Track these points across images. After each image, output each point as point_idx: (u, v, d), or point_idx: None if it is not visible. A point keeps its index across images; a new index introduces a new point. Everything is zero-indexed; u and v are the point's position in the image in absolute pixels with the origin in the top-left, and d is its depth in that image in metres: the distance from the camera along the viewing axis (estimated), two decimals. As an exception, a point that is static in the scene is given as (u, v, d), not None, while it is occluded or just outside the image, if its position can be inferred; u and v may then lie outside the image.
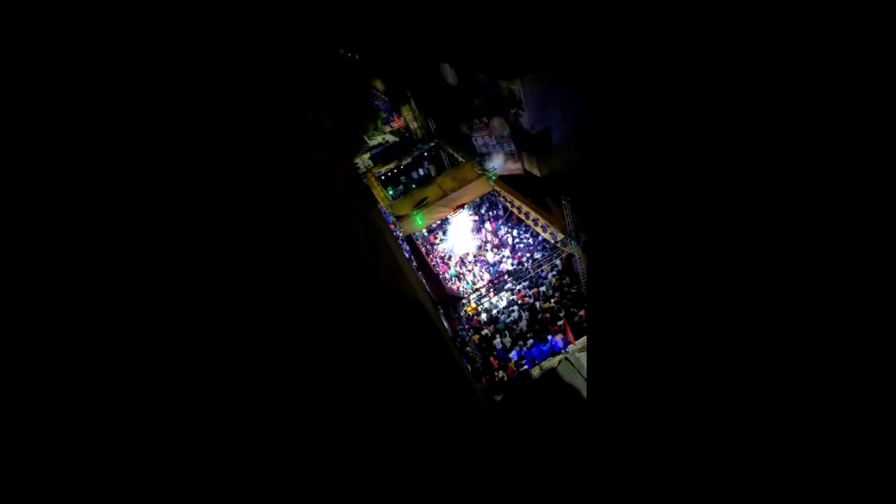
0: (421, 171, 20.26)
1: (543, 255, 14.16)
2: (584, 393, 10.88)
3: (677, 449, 3.02)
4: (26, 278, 2.29)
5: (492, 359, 12.84)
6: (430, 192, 15.14)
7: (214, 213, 2.90)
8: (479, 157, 16.04)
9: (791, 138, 1.91)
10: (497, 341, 12.97)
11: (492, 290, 13.08)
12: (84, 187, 2.39)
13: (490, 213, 18.23)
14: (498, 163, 16.10)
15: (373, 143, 21.96)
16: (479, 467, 5.37)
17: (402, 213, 14.44)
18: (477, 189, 14.95)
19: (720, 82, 2.12)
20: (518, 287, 13.93)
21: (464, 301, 12.74)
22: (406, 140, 20.95)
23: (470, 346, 12.32)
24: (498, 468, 6.19)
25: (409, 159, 19.61)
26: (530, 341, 12.82)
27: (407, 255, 14.73)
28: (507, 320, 13.64)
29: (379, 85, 23.63)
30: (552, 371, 11.92)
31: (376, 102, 24.37)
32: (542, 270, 14.13)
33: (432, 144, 20.08)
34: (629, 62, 2.58)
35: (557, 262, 13.91)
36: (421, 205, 14.46)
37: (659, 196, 2.66)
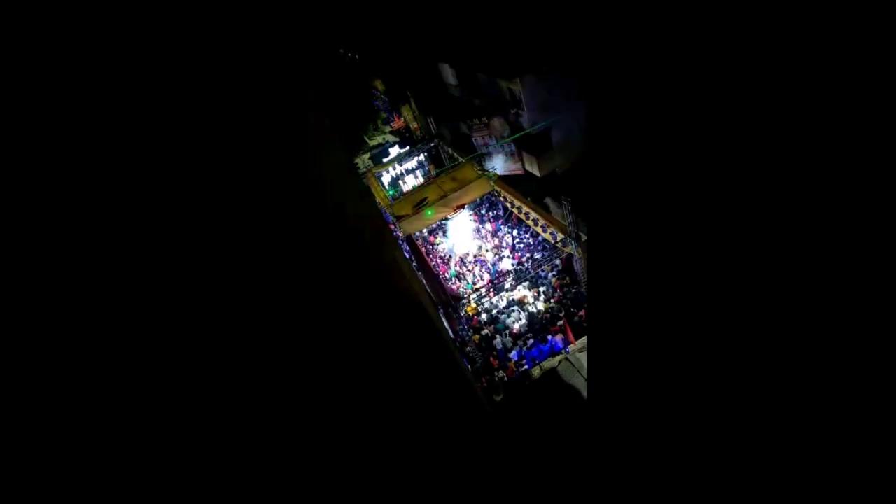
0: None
1: (543, 255, 14.16)
2: (584, 393, 10.88)
3: (677, 449, 3.02)
4: (27, 278, 2.30)
5: (492, 359, 12.84)
6: (430, 192, 15.14)
7: (215, 213, 2.90)
8: (479, 157, 16.05)
9: (791, 138, 1.91)
10: (497, 341, 12.97)
11: (492, 290, 13.08)
12: (86, 188, 2.39)
13: (490, 213, 18.23)
14: (498, 163, 16.11)
15: (373, 143, 21.99)
16: (479, 467, 5.37)
17: (402, 213, 14.44)
18: (477, 189, 14.95)
19: (720, 82, 2.12)
20: (518, 287, 13.93)
21: (464, 301, 12.74)
22: (407, 140, 20.97)
23: (470, 346, 12.33)
24: (498, 468, 6.19)
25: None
26: (530, 341, 12.82)
27: (407, 255, 14.73)
28: (507, 320, 13.65)
29: (379, 85, 23.65)
30: (552, 371, 11.92)
31: (376, 102, 24.39)
32: (542, 270, 14.13)
33: (432, 144, 20.09)
34: (629, 62, 2.58)
35: (557, 262, 13.91)
36: (421, 205, 14.46)
37: (659, 196, 2.66)
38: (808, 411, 2.14)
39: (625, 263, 3.06)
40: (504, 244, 16.43)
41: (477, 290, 13.52)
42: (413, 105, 21.78)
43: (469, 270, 15.90)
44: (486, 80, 15.70)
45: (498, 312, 14.00)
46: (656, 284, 2.85)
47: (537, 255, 14.77)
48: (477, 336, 13.20)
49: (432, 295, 13.33)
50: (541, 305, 13.63)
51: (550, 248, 14.13)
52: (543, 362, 12.22)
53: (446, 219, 16.37)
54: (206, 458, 3.05)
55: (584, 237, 11.93)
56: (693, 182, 2.42)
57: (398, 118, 23.02)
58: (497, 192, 15.22)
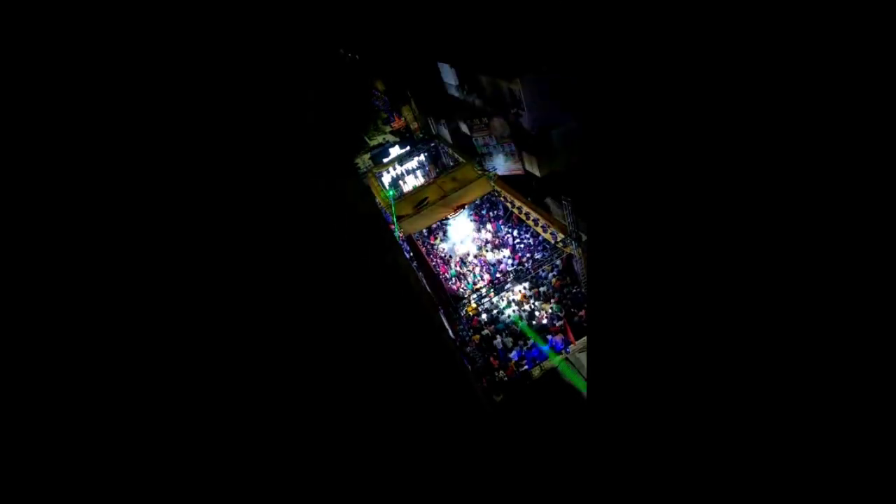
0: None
1: (543, 255, 14.15)
2: (584, 393, 10.87)
3: (677, 449, 3.02)
4: (31, 277, 2.30)
5: (492, 359, 12.84)
6: (430, 192, 15.14)
7: (215, 213, 2.91)
8: (480, 157, 16.04)
9: (791, 138, 1.91)
10: (497, 341, 12.97)
11: (492, 290, 13.08)
12: (89, 188, 2.39)
13: (490, 213, 18.23)
14: (498, 163, 16.11)
15: (373, 143, 21.98)
16: (480, 467, 5.37)
17: (403, 213, 14.44)
18: (477, 189, 14.94)
19: (720, 82, 2.12)
20: (518, 288, 13.93)
21: (464, 301, 12.74)
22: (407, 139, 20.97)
23: (470, 346, 12.32)
24: (498, 468, 6.19)
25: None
26: (530, 341, 12.82)
27: (407, 256, 14.73)
28: (508, 320, 13.64)
29: (379, 85, 23.65)
30: (552, 371, 11.91)
31: (376, 102, 24.38)
32: (543, 270, 14.12)
33: (432, 145, 20.09)
34: (629, 62, 2.58)
35: (558, 262, 13.91)
36: (421, 205, 14.47)
37: (659, 196, 2.66)
38: (807, 410, 2.14)
39: (625, 264, 3.06)
40: (504, 244, 16.43)
41: (477, 289, 13.52)
42: (413, 105, 21.78)
43: (469, 270, 15.90)
44: (486, 80, 15.69)
45: (498, 313, 14.00)
46: (656, 284, 2.85)
47: (537, 255, 14.77)
48: (477, 336, 13.20)
49: (432, 295, 13.32)
50: (538, 304, 13.63)
51: (550, 248, 14.13)
52: (544, 362, 12.22)
53: (446, 219, 16.38)
54: (208, 456, 3.06)
55: (584, 237, 11.93)
56: (693, 182, 2.42)
57: (398, 118, 23.02)
58: (497, 192, 15.21)
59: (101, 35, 2.31)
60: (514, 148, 15.53)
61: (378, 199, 16.90)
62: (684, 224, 2.55)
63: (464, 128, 17.93)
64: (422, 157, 20.16)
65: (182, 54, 2.57)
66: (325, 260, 3.59)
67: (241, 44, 2.90)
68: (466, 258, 16.58)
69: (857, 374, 1.91)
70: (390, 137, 22.73)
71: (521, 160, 15.73)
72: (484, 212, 18.33)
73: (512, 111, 14.84)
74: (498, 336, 13.08)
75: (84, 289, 2.46)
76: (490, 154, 16.13)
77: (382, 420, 4.15)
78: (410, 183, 19.96)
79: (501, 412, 11.58)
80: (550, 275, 14.43)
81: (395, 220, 14.12)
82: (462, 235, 17.22)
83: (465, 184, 14.59)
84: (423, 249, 16.82)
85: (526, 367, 12.41)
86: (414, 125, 22.35)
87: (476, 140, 16.12)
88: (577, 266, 12.91)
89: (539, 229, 13.83)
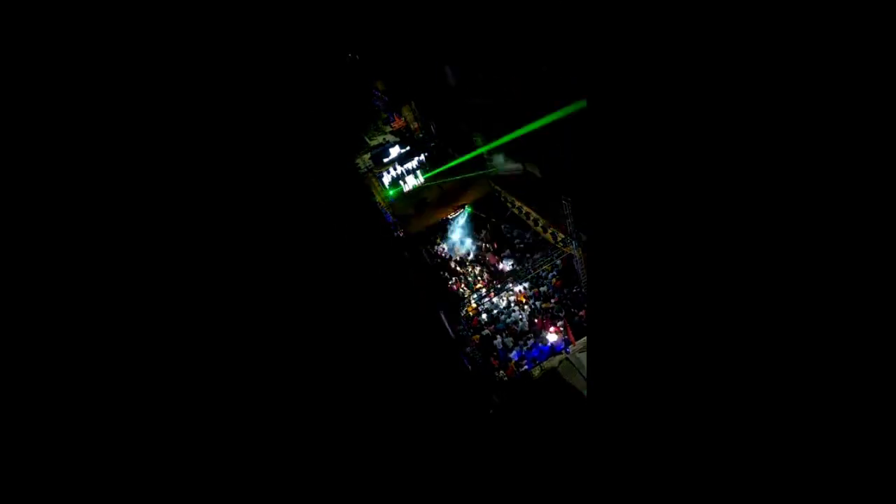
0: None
1: (543, 255, 14.16)
2: (585, 393, 10.87)
3: (677, 449, 3.02)
4: (31, 278, 2.30)
5: (492, 359, 12.84)
6: (431, 192, 15.14)
7: (217, 213, 2.91)
8: (480, 158, 16.04)
9: (791, 138, 1.91)
10: (497, 341, 12.97)
11: (492, 290, 13.08)
12: (92, 189, 2.40)
13: (490, 213, 18.22)
14: (498, 163, 16.11)
15: (373, 143, 21.98)
16: (480, 467, 5.37)
17: (403, 213, 14.44)
18: (477, 189, 14.95)
19: (720, 82, 2.12)
20: (518, 287, 13.93)
21: (464, 301, 12.74)
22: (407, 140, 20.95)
23: (470, 347, 12.32)
24: (498, 468, 6.19)
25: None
26: (531, 342, 12.82)
27: (407, 256, 14.72)
28: (508, 320, 13.64)
29: (380, 85, 23.65)
30: (552, 371, 11.91)
31: (377, 102, 24.37)
32: (543, 270, 14.12)
33: (432, 145, 20.08)
34: (629, 62, 2.58)
35: (558, 261, 13.91)
36: (421, 205, 14.46)
37: (659, 196, 2.66)
38: (808, 410, 2.14)
39: (625, 264, 3.06)
40: (504, 244, 16.43)
41: (477, 290, 13.52)
42: (413, 105, 21.76)
43: (469, 270, 15.90)
44: (486, 80, 15.69)
45: (498, 313, 14.00)
46: (656, 284, 2.86)
47: (537, 256, 14.77)
48: (477, 336, 13.20)
49: (432, 295, 13.32)
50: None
51: (550, 248, 14.13)
52: (544, 362, 12.21)
53: (446, 219, 16.38)
54: (211, 456, 3.06)
55: (584, 237, 11.93)
56: (693, 182, 2.43)
57: (398, 118, 23.00)
58: (497, 192, 15.21)
59: (107, 35, 2.31)
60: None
61: (378, 200, 16.90)
62: (684, 224, 2.55)
63: (464, 128, 17.91)
64: (422, 157, 20.15)
65: (184, 55, 2.57)
66: (325, 260, 3.59)
67: (241, 44, 2.90)
68: (466, 258, 16.58)
69: (858, 375, 1.91)
70: (390, 137, 22.71)
71: (521, 160, 15.73)
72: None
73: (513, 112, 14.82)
74: (498, 336, 13.08)
75: (89, 287, 2.47)
76: (490, 154, 16.13)
77: (383, 420, 4.14)
78: (411, 183, 19.97)
79: (501, 412, 11.58)
80: (550, 275, 14.43)
81: (395, 219, 14.11)
82: (462, 235, 17.22)
83: (465, 184, 14.60)
84: (423, 250, 16.82)
85: (526, 367, 12.41)
86: (414, 125, 22.34)
87: (476, 140, 16.13)
88: (577, 266, 12.91)
89: (539, 229, 13.83)
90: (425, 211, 14.56)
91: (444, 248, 17.53)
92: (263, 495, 3.37)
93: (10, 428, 2.34)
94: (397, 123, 23.15)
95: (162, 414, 2.83)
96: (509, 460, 7.78)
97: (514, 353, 12.76)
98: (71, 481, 2.52)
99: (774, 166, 2.01)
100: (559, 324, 12.85)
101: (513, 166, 16.08)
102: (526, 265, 13.50)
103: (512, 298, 14.13)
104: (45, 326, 2.39)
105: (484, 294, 13.18)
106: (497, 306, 14.17)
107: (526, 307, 13.81)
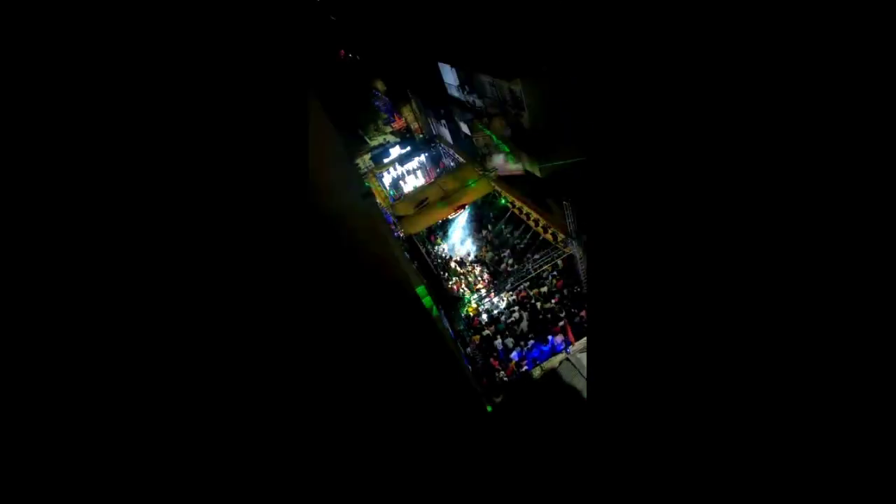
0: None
1: (543, 255, 14.15)
2: (585, 393, 10.86)
3: (677, 449, 3.01)
4: (25, 278, 2.30)
5: (492, 359, 12.83)
6: (431, 192, 15.15)
7: (215, 213, 2.90)
8: (480, 158, 16.04)
9: (791, 138, 1.90)
10: (498, 342, 12.96)
11: (492, 290, 13.08)
12: (89, 188, 2.39)
13: (491, 213, 18.22)
14: (498, 163, 16.11)
15: (373, 143, 21.99)
16: (480, 467, 5.37)
17: (403, 213, 14.45)
18: (477, 189, 14.95)
19: (720, 81, 2.12)
20: (518, 287, 13.92)
21: (464, 301, 12.74)
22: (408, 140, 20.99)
23: (470, 347, 12.32)
24: (498, 468, 6.18)
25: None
26: (531, 342, 12.81)
27: (407, 256, 14.73)
28: (508, 321, 13.63)
29: (380, 85, 23.66)
30: (553, 371, 11.91)
31: (377, 103, 24.38)
32: (543, 271, 14.12)
33: (433, 145, 20.09)
34: (629, 62, 2.58)
35: (558, 262, 13.90)
36: (421, 205, 14.47)
37: (659, 196, 2.66)
38: (809, 411, 2.13)
39: (625, 264, 3.06)
40: (504, 244, 16.42)
41: (477, 290, 13.51)
42: (414, 105, 21.79)
43: (469, 271, 15.89)
44: (486, 80, 15.69)
45: (499, 313, 13.99)
46: (656, 285, 2.85)
47: (537, 256, 14.77)
48: (477, 337, 13.19)
49: (432, 295, 13.32)
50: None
51: (551, 249, 14.13)
52: (544, 363, 12.21)
53: (447, 219, 16.38)
54: (203, 457, 3.05)
55: (584, 237, 11.92)
56: (693, 182, 2.42)
57: (399, 118, 23.03)
58: (497, 192, 15.21)
59: (101, 34, 2.30)
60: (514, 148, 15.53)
61: (378, 200, 16.91)
62: (685, 224, 2.55)
63: (464, 128, 17.93)
64: (422, 158, 20.16)
65: (181, 54, 2.57)
66: (324, 259, 3.59)
67: (241, 44, 2.90)
68: (466, 258, 16.57)
69: (858, 375, 1.91)
70: (390, 138, 22.74)
71: (521, 160, 15.73)
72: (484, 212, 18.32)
73: (513, 112, 14.84)
74: (499, 337, 13.08)
75: (82, 290, 2.46)
76: (490, 154, 16.13)
77: (382, 421, 4.14)
78: (411, 183, 19.96)
79: (501, 412, 11.58)
80: (550, 275, 14.43)
81: (395, 220, 14.13)
82: (462, 235, 17.23)
83: (465, 184, 14.60)
84: (423, 249, 16.82)
85: (527, 367, 12.40)
86: (414, 125, 22.36)
87: (476, 140, 16.13)
88: (578, 266, 12.91)
89: (539, 229, 13.83)
90: (425, 211, 14.56)
91: (444, 248, 17.53)
92: (263, 495, 3.37)
93: (10, 428, 2.34)
94: (398, 124, 23.15)
95: (162, 414, 2.83)
96: (509, 460, 7.77)
97: (515, 353, 12.75)
98: (71, 481, 2.51)
99: (775, 167, 2.00)
100: (560, 324, 12.85)
101: (513, 166, 16.07)
102: (526, 265, 13.50)
103: (512, 299, 14.13)
104: (46, 326, 2.39)
105: (484, 294, 13.17)
106: (497, 307, 14.17)
107: (527, 307, 13.80)
